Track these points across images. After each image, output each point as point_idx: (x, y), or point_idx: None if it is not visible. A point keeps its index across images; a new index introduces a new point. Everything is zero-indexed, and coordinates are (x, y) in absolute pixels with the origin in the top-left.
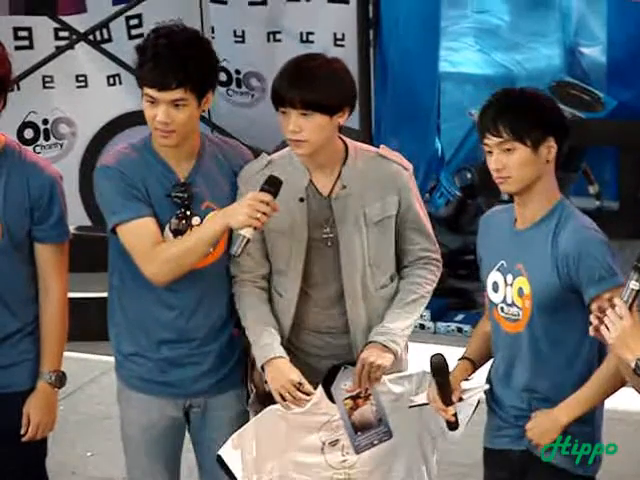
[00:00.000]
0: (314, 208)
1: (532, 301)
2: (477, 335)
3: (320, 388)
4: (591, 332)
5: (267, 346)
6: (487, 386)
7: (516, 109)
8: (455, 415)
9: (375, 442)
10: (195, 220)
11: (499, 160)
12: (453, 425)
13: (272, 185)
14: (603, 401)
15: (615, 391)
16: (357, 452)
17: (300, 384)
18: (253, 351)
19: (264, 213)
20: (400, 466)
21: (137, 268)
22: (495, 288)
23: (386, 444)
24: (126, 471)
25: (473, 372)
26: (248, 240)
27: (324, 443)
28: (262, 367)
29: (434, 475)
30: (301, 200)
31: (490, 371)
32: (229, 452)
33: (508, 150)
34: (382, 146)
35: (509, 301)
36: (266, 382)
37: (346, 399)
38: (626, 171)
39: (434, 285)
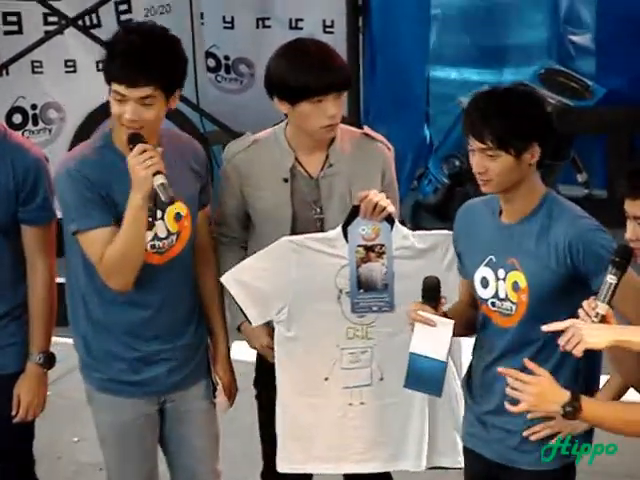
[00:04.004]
0: (302, 189)
1: (529, 294)
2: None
3: (339, 227)
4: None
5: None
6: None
7: (501, 116)
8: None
9: (374, 308)
10: (158, 213)
11: (481, 164)
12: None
13: (134, 140)
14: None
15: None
16: (353, 310)
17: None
18: (229, 311)
19: (151, 157)
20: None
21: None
22: (484, 284)
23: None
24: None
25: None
26: (163, 184)
27: (341, 291)
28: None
29: (460, 363)
30: (285, 180)
31: (470, 365)
32: (230, 282)
33: (491, 156)
34: (365, 127)
35: (502, 295)
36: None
37: (359, 246)
38: (615, 159)
39: None
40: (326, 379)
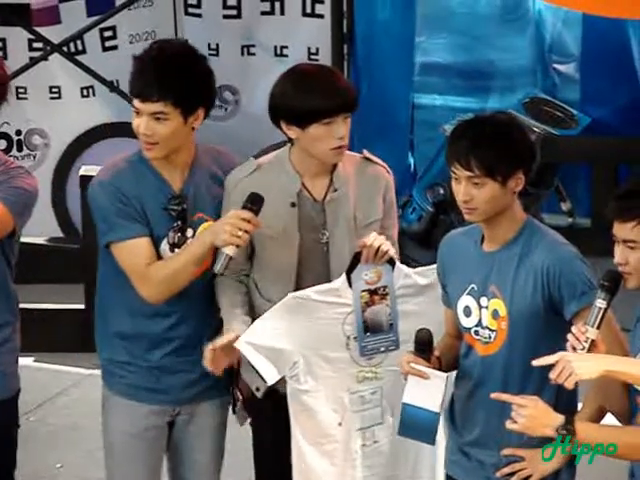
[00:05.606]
0: (308, 213)
1: (508, 322)
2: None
3: (343, 276)
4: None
5: (230, 330)
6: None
7: (488, 143)
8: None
9: (382, 349)
10: (189, 232)
11: (467, 192)
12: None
13: (254, 203)
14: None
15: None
16: (361, 354)
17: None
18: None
19: (246, 231)
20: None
21: (127, 281)
22: (467, 313)
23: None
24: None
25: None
26: (231, 258)
27: (349, 338)
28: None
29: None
30: (293, 205)
31: (453, 394)
32: (244, 345)
33: (477, 184)
34: (365, 150)
35: (484, 324)
36: (257, 389)
37: (363, 291)
38: (599, 188)
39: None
40: (340, 424)
